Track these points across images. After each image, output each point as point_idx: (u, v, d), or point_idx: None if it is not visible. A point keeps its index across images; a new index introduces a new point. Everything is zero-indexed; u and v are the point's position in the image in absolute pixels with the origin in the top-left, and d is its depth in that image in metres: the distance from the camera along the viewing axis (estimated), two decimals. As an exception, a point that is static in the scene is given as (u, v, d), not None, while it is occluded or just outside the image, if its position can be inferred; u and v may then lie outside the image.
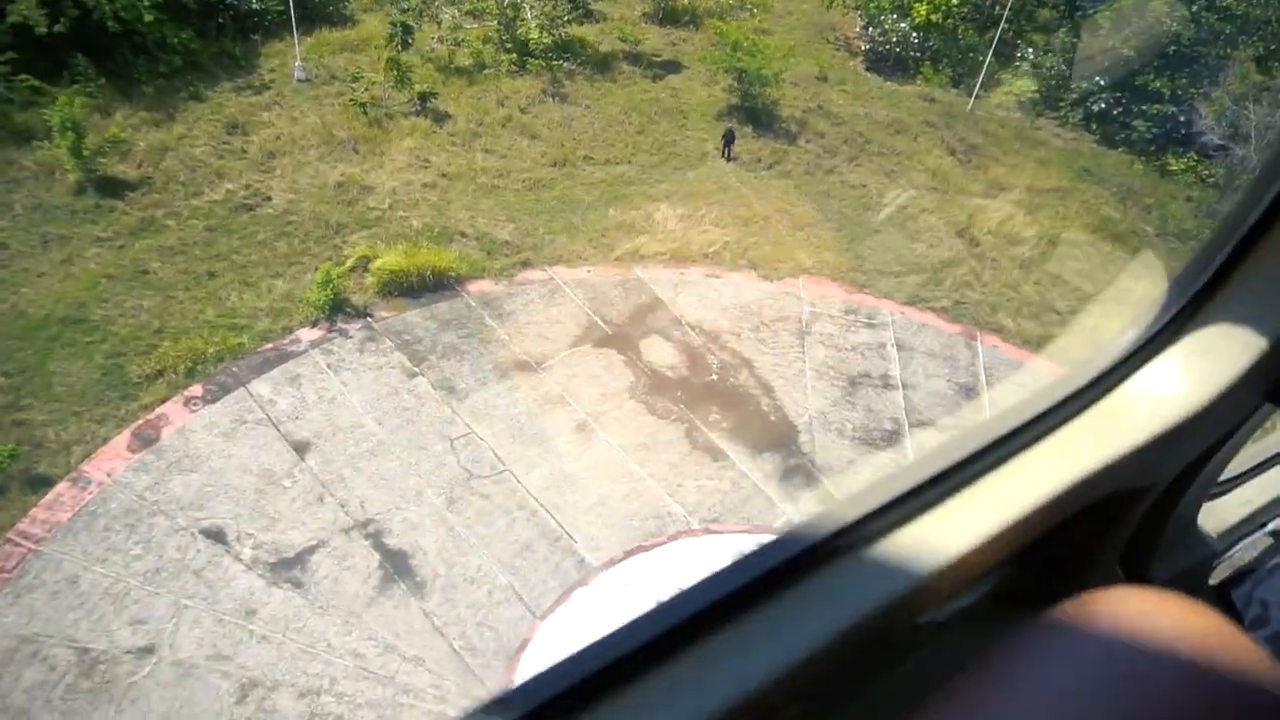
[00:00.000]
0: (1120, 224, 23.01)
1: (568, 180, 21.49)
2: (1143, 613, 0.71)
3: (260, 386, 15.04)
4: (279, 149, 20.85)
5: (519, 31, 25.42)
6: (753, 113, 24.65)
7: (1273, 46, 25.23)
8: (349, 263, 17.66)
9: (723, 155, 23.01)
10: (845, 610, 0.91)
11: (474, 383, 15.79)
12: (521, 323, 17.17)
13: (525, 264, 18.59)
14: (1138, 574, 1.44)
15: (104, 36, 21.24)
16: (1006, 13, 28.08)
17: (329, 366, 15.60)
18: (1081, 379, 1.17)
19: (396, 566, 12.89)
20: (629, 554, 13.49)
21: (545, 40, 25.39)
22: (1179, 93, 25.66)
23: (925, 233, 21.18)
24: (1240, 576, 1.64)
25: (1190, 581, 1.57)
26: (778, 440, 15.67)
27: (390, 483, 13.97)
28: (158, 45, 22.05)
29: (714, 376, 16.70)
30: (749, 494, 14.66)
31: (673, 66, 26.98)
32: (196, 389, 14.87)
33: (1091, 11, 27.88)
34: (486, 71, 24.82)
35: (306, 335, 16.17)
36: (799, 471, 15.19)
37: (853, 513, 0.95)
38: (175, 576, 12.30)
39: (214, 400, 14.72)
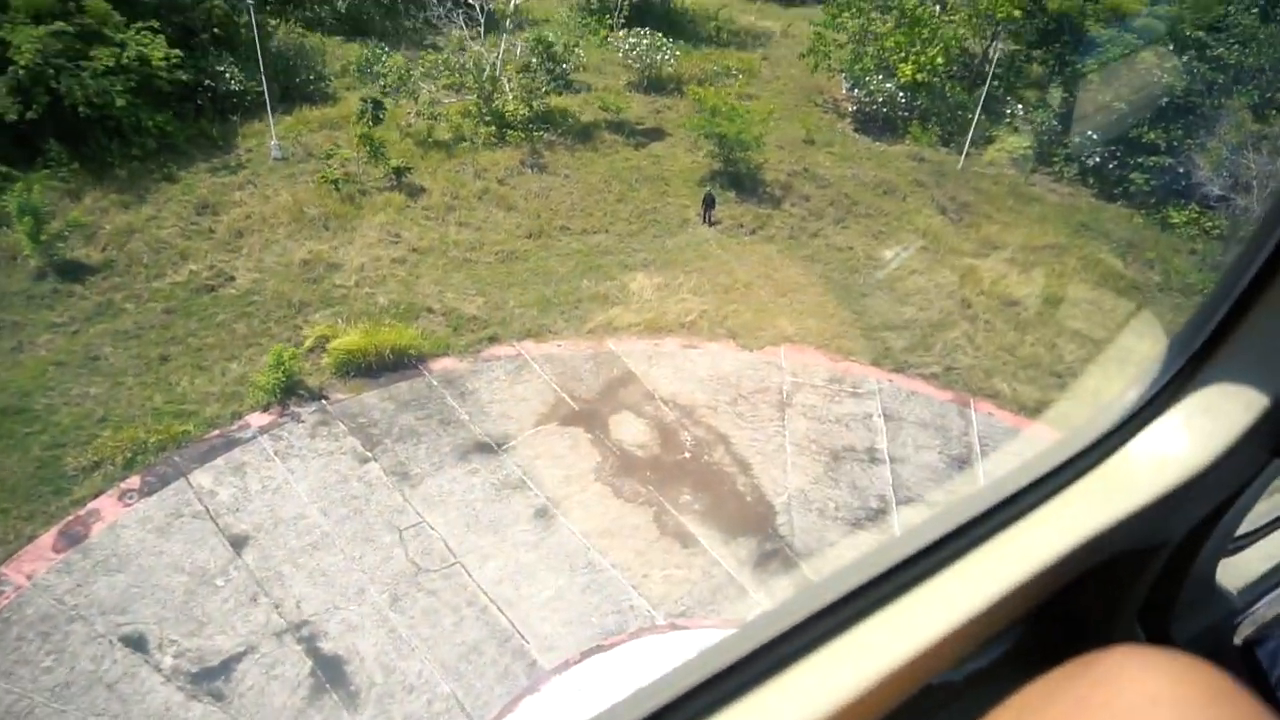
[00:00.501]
0: (1121, 279, 22.05)
1: (542, 251, 20.91)
2: (1144, 672, 0.70)
3: (201, 477, 14.22)
4: (248, 228, 20.47)
5: (497, 104, 25.20)
6: (736, 178, 24.14)
7: (1268, 94, 24.50)
8: (307, 343, 17.00)
9: (703, 220, 22.41)
10: (854, 675, 0.91)
11: (429, 467, 14.90)
12: (484, 401, 16.35)
13: (492, 339, 17.86)
14: (1158, 632, 1.42)
15: (77, 121, 21.14)
16: (995, 69, 27.66)
17: (276, 453, 14.78)
18: (1084, 440, 1.18)
19: (329, 674, 11.83)
20: (586, 655, 12.37)
21: (523, 111, 25.14)
22: (1175, 144, 24.94)
23: (915, 295, 20.31)
24: (1264, 634, 1.60)
25: (1213, 639, 1.57)
26: (754, 523, 14.60)
27: (331, 579, 13.00)
28: (132, 128, 21.93)
29: (687, 454, 15.72)
30: (720, 584, 13.55)
31: (656, 134, 26.65)
32: (134, 480, 14.07)
33: (1081, 65, 27.40)
34: (464, 144, 24.54)
35: (257, 420, 15.41)
36: (776, 557, 14.08)
37: (858, 578, 0.97)
38: (86, 691, 11.31)
39: (151, 493, 13.90)
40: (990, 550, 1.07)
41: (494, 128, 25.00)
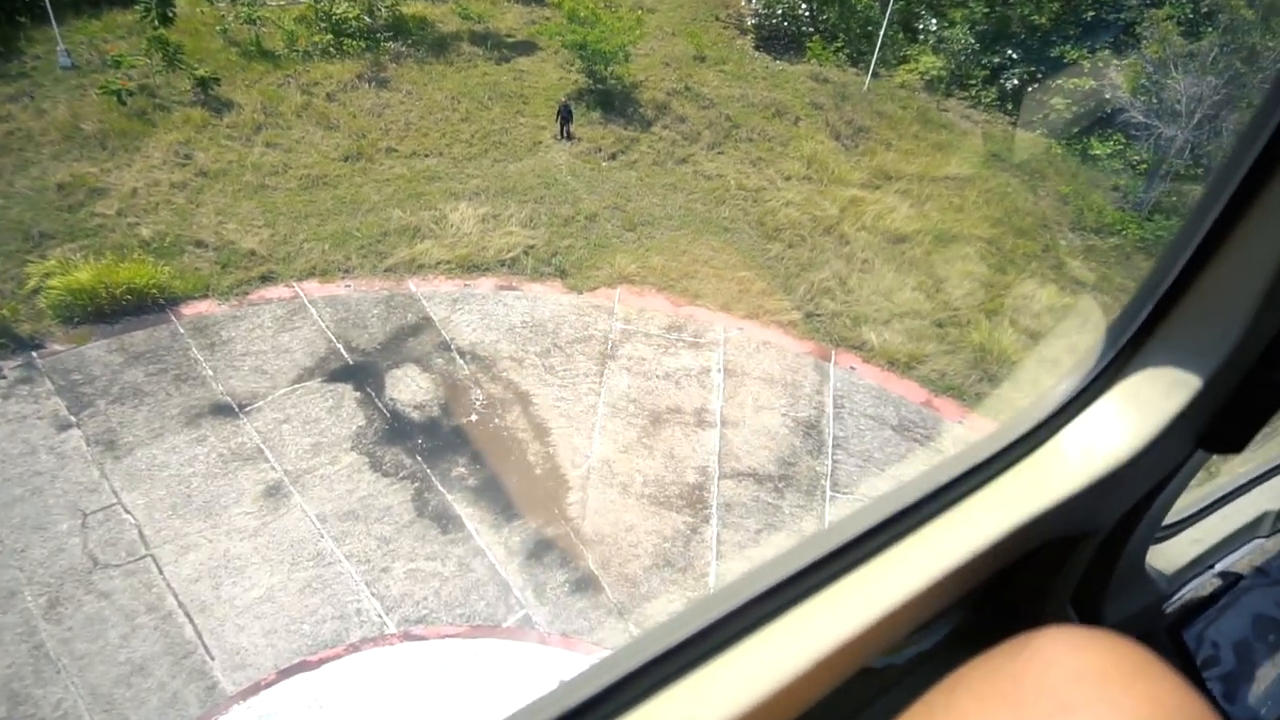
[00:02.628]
0: (1028, 216, 19.48)
1: (358, 177, 17.92)
2: (1073, 650, 0.71)
3: None
4: (8, 145, 17.26)
5: (335, 9, 21.86)
6: (606, 96, 21.13)
7: (1201, 7, 21.71)
8: (30, 283, 14.05)
9: (559, 135, 19.50)
10: (791, 658, 0.92)
11: (146, 435, 12.16)
12: (237, 353, 13.55)
13: (266, 279, 14.98)
14: (1090, 616, 1.48)
15: None
16: (909, -20, 24.67)
17: (-51, 418, 11.97)
18: (1020, 429, 1.20)
19: (-67, 707, 9.24)
20: (284, 674, 9.85)
21: (365, 19, 21.85)
22: (1100, 65, 22.16)
23: (785, 230, 17.61)
24: (1191, 617, 1.70)
25: (1143, 623, 1.62)
26: (538, 502, 12.06)
27: (-25, 579, 10.32)
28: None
29: (474, 417, 13.08)
30: (479, 580, 11.03)
31: (525, 48, 23.48)
32: None
33: (1005, -25, 24.46)
34: (294, 55, 21.27)
35: (-57, 376, 12.55)
36: (556, 546, 11.57)
37: (794, 564, 0.98)
38: None
39: None
40: (927, 535, 1.10)
41: (331, 36, 21.73)
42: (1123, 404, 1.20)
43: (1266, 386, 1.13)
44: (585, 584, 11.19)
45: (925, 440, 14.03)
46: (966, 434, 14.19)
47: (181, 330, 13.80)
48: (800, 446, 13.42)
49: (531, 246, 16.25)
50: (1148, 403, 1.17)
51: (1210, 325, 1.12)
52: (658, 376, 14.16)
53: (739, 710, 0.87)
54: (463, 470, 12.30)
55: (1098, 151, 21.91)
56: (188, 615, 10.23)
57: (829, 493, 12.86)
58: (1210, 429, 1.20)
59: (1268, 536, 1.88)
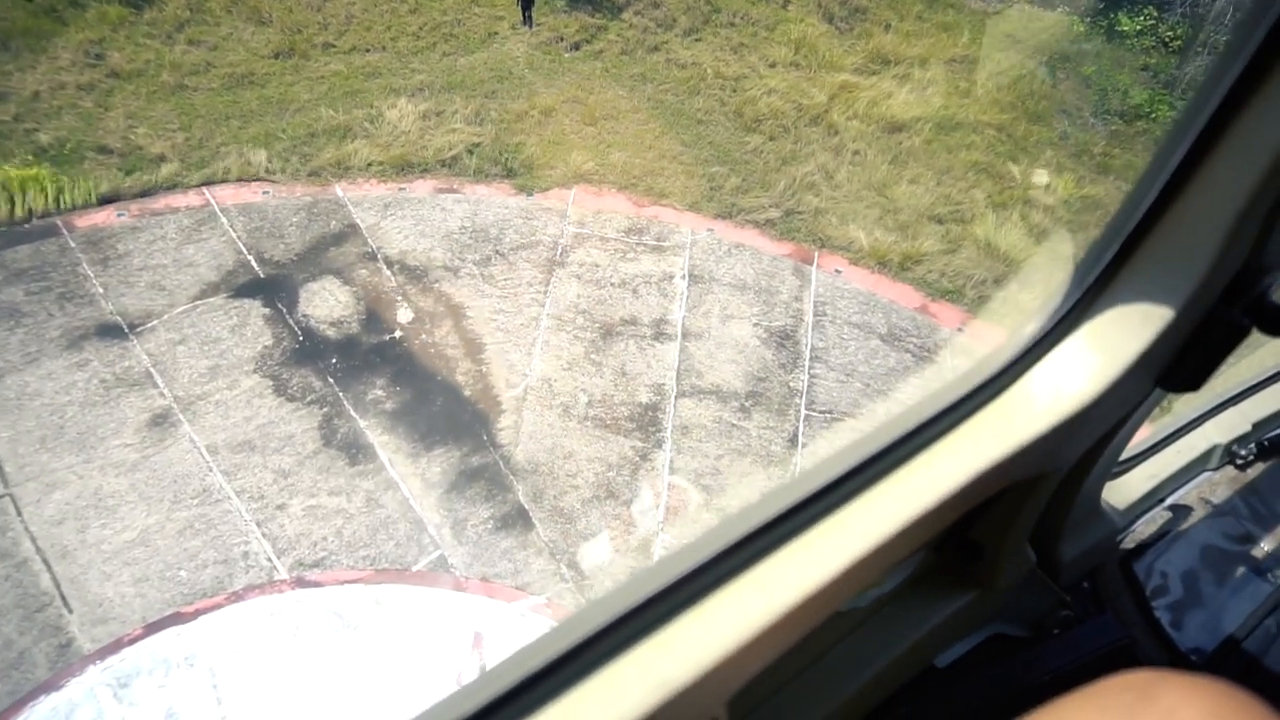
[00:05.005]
0: (1044, 100, 17.29)
1: (289, 75, 16.05)
2: (1181, 702, 0.65)
3: None
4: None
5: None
6: (574, -19, 18.94)
7: None
8: (-97, 194, 12.49)
9: (522, 20, 17.47)
10: (763, 607, 0.93)
11: (19, 360, 10.69)
12: (133, 268, 11.98)
13: (174, 186, 13.32)
14: (1047, 553, 1.51)
15: None
16: None
17: None
18: (987, 372, 1.21)
19: None
20: (151, 628, 8.49)
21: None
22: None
23: (766, 120, 15.61)
24: (1142, 549, 1.77)
25: (1096, 557, 1.68)
26: (464, 428, 10.51)
27: None
28: None
29: (397, 334, 11.49)
30: (388, 517, 9.56)
31: (486, -67, 21.15)
32: None
33: None
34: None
35: None
36: (482, 476, 10.05)
37: (763, 515, 0.98)
38: None
39: None
40: (895, 481, 1.10)
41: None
42: (1089, 345, 1.19)
43: (1225, 324, 1.14)
44: (513, 520, 9.70)
45: (918, 351, 12.29)
46: (966, 342, 12.43)
47: (72, 244, 12.22)
48: (773, 360, 11.73)
49: (477, 145, 14.42)
50: (1113, 343, 1.18)
51: (1175, 263, 1.12)
52: (612, 284, 12.45)
53: (708, 663, 0.88)
54: (380, 393, 10.76)
55: (1125, 28, 19.46)
56: (45, 562, 8.87)
57: (804, 411, 11.21)
58: (1170, 368, 1.20)
59: (1216, 469, 1.97)
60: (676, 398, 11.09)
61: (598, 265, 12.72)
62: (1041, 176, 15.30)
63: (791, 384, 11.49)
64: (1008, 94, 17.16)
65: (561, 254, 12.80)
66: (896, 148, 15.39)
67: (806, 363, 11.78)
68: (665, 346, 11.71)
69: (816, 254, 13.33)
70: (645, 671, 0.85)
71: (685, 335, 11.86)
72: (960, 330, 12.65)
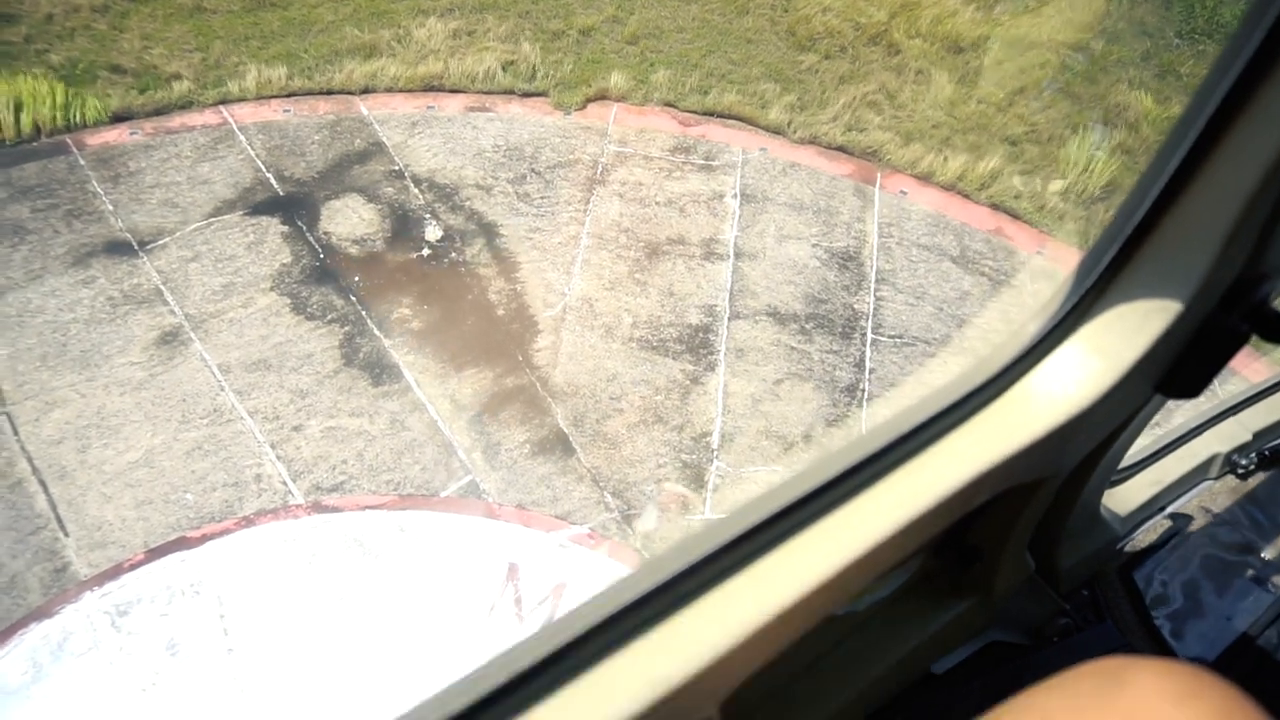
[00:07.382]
0: (1120, 21, 15.89)
1: (312, -4, 15.15)
2: (1153, 686, 0.63)
3: None
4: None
5: None
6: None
7: None
8: (-93, 111, 11.80)
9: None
10: (755, 609, 0.90)
11: (21, 277, 9.95)
12: (145, 186, 11.19)
13: (188, 105, 12.50)
14: (1046, 560, 1.48)
15: None
16: None
17: None
18: (985, 373, 1.16)
19: None
20: (153, 554, 7.70)
21: None
22: None
23: (821, 39, 14.43)
24: (1142, 558, 1.74)
25: (1095, 564, 1.64)
26: (497, 348, 9.59)
27: None
28: None
29: (425, 251, 10.58)
30: (414, 440, 8.68)
31: None
32: None
33: None
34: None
35: None
36: (517, 400, 9.13)
37: (758, 515, 0.94)
38: None
39: None
40: (892, 483, 1.05)
41: None
42: (1088, 348, 1.15)
43: (1224, 331, 1.10)
44: (551, 445, 8.77)
45: (994, 274, 11.14)
46: (1046, 265, 11.25)
47: (82, 162, 11.45)
48: (835, 281, 10.66)
49: (511, 63, 13.42)
50: (1112, 347, 1.13)
51: (1174, 268, 1.07)
52: (658, 203, 11.43)
53: (701, 662, 0.85)
54: (406, 312, 9.86)
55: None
56: (41, 483, 8.11)
57: (870, 335, 10.14)
58: (1169, 374, 1.16)
59: (1216, 478, 1.94)
60: (730, 319, 10.06)
61: (641, 184, 11.69)
62: (1122, 95, 13.98)
63: (856, 306, 10.41)
64: (1083, 12, 15.77)
65: (602, 172, 11.79)
66: (964, 67, 14.14)
67: (872, 285, 10.69)
68: (716, 266, 10.68)
69: (880, 174, 12.19)
70: (637, 670, 0.83)
71: (738, 255, 10.82)
72: (1040, 253, 11.48)
